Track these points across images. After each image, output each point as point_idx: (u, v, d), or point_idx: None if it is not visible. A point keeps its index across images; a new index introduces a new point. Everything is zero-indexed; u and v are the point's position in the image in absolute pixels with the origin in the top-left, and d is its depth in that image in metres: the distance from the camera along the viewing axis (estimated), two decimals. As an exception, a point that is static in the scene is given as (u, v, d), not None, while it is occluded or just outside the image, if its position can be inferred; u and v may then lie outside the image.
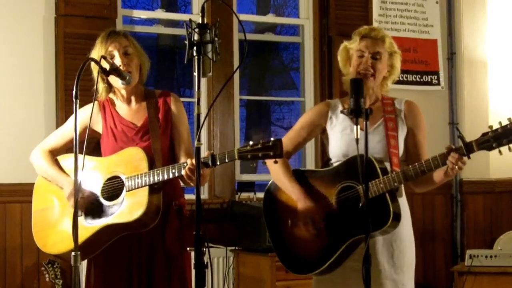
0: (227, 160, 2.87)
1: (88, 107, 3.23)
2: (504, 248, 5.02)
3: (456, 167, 2.87)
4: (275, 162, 2.87)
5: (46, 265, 4.35)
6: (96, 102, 3.29)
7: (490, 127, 2.84)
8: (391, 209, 2.95)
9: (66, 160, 3.33)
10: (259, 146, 2.80)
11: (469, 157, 2.87)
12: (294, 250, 3.22)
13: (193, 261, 2.45)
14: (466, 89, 5.92)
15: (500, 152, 2.85)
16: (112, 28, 3.36)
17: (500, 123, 2.82)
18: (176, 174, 3.01)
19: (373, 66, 3.14)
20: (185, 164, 2.98)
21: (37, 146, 3.38)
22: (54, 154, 3.34)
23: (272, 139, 2.80)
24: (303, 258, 3.19)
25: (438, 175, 3.02)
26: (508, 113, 5.69)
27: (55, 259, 4.32)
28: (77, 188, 2.70)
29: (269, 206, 3.31)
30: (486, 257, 4.84)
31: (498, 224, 5.63)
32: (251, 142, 2.82)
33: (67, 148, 3.37)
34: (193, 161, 2.92)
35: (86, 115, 3.13)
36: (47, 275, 4.35)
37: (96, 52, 3.19)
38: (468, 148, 2.86)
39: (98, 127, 3.29)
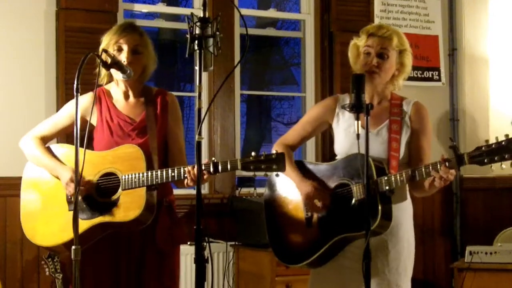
0: (229, 169, 2.88)
1: (83, 97, 3.19)
2: (504, 244, 5.01)
3: (443, 178, 2.83)
4: (277, 175, 2.89)
5: (46, 259, 4.34)
6: (91, 94, 3.25)
7: (486, 141, 2.80)
8: (380, 210, 2.94)
9: (59, 150, 3.28)
10: (262, 158, 2.82)
11: (459, 169, 2.85)
12: (287, 240, 3.24)
13: (193, 256, 2.45)
14: (467, 85, 5.92)
15: (491, 168, 2.83)
16: (132, 22, 3.33)
17: (496, 138, 2.78)
18: (176, 178, 3.00)
19: (378, 65, 3.10)
20: (185, 169, 2.96)
21: (27, 133, 3.33)
22: (45, 142, 3.30)
23: (274, 151, 2.83)
24: (294, 249, 3.21)
25: (427, 184, 2.97)
26: (508, 110, 5.73)
27: (55, 253, 4.32)
28: (77, 181, 2.69)
29: (270, 196, 3.33)
30: (486, 253, 4.83)
31: (498, 220, 5.63)
32: (253, 153, 2.83)
33: (58, 136, 3.35)
34: (195, 171, 2.91)
35: (82, 106, 3.10)
36: (47, 269, 4.35)
37: (107, 41, 3.18)
38: (460, 161, 2.82)
39: (93, 118, 3.25)
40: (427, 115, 3.21)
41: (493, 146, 2.76)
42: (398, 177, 2.95)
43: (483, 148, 2.79)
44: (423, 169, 2.91)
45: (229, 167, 2.87)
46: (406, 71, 3.20)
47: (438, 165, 2.85)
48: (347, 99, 3.25)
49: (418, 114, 3.18)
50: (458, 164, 2.82)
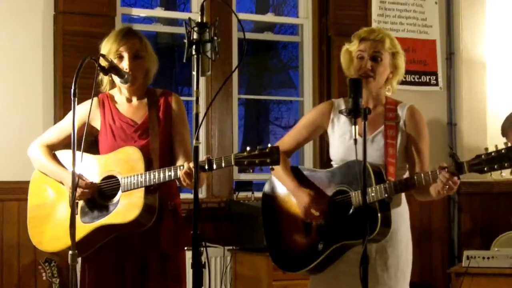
0: (223, 165, 2.86)
1: (86, 103, 3.21)
2: (502, 249, 5.01)
3: (447, 186, 2.83)
4: (272, 169, 2.88)
5: (43, 263, 4.34)
6: (95, 98, 3.27)
7: (486, 149, 2.80)
8: (379, 218, 2.94)
9: (64, 155, 3.30)
10: (256, 152, 2.79)
11: (459, 178, 2.84)
12: (285, 248, 3.23)
13: (190, 261, 2.45)
14: (464, 89, 5.92)
15: (490, 175, 2.83)
16: (130, 27, 3.34)
17: (496, 146, 2.78)
18: (173, 177, 3.00)
19: (373, 69, 3.11)
20: (181, 167, 2.97)
21: (35, 141, 3.35)
22: (52, 149, 3.32)
23: (269, 145, 2.80)
24: (292, 256, 3.20)
25: (433, 190, 2.97)
26: (506, 114, 5.73)
27: (52, 258, 4.32)
28: (75, 186, 2.69)
29: (267, 203, 3.32)
30: (483, 258, 4.83)
31: (495, 225, 5.63)
32: (248, 148, 2.81)
33: (65, 143, 3.35)
34: (190, 165, 2.93)
35: (84, 111, 3.12)
36: (44, 274, 4.35)
37: (107, 47, 3.19)
38: (459, 169, 2.82)
39: (97, 123, 3.28)
40: (422, 119, 3.21)
41: (492, 154, 2.76)
42: (402, 183, 2.95)
43: (482, 156, 2.78)
44: (422, 177, 2.91)
45: (223, 163, 2.86)
46: (400, 73, 3.21)
47: (438, 172, 2.85)
48: (342, 104, 3.25)
49: (413, 119, 3.18)
50: (458, 172, 2.82)
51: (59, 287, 4.33)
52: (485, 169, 2.77)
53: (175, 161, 3.21)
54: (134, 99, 3.28)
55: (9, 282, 4.51)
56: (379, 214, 2.93)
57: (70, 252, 2.62)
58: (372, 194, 2.94)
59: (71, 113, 3.30)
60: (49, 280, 4.34)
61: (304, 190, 3.14)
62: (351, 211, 3.03)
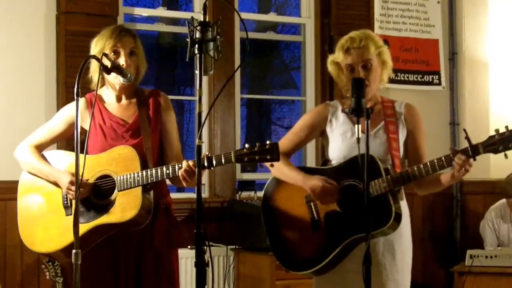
0: (223, 162, 2.86)
1: (75, 104, 3.20)
2: (504, 248, 5.02)
3: (463, 169, 2.88)
4: (272, 165, 2.88)
5: (47, 263, 4.34)
6: (83, 98, 3.25)
7: (497, 130, 2.84)
8: (393, 209, 2.96)
9: (52, 156, 3.29)
10: (256, 149, 2.80)
11: (474, 159, 2.89)
12: (292, 247, 3.22)
13: (194, 260, 2.45)
14: (467, 89, 5.93)
15: (505, 155, 2.85)
16: (123, 25, 3.34)
17: (506, 127, 2.83)
18: (171, 176, 3.00)
19: (366, 77, 3.11)
20: (179, 165, 2.97)
21: (22, 142, 3.33)
22: (40, 149, 3.30)
23: (268, 142, 2.80)
24: (301, 256, 3.19)
25: (445, 177, 3.03)
26: (508, 114, 5.74)
27: (53, 259, 4.31)
28: (78, 185, 2.69)
29: (268, 204, 3.31)
30: (486, 257, 4.84)
31: (498, 224, 5.63)
32: (247, 145, 2.82)
33: (52, 144, 3.35)
34: (190, 163, 2.93)
35: (74, 112, 3.10)
36: (47, 273, 4.35)
37: (101, 45, 3.17)
38: (474, 150, 2.87)
39: (86, 124, 3.22)
40: (419, 115, 3.27)
41: (505, 134, 2.82)
42: (414, 171, 2.97)
43: (496, 136, 2.84)
44: (435, 162, 2.94)
45: (223, 160, 2.85)
46: (388, 66, 3.23)
47: (453, 157, 2.88)
48: (338, 106, 3.28)
49: (411, 115, 3.24)
50: (473, 154, 2.87)
51: (62, 286, 4.33)
52: (500, 148, 2.83)
53: (166, 159, 3.21)
54: (123, 99, 3.27)
55: (12, 281, 4.52)
56: (393, 207, 2.96)
57: (74, 251, 2.62)
58: (384, 185, 2.97)
59: (59, 112, 3.32)
60: (52, 279, 4.34)
61: (313, 177, 3.14)
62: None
